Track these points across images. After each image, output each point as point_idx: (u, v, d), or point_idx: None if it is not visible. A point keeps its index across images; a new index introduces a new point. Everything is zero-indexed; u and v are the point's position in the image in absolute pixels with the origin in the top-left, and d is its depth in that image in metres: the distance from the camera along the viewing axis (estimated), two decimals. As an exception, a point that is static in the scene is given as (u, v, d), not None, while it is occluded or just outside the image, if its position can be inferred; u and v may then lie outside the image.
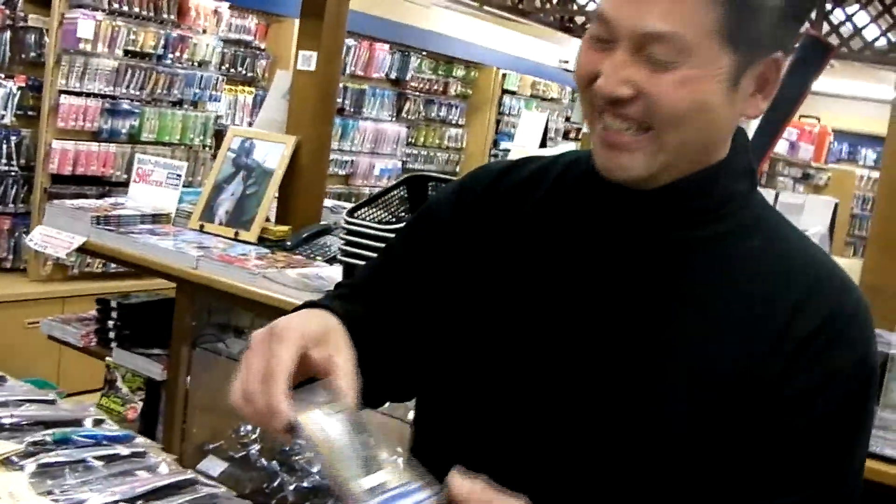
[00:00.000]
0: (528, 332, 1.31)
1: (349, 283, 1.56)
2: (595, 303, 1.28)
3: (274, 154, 4.18)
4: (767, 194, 6.09)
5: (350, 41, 8.54)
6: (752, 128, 3.21)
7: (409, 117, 9.71)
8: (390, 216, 3.38)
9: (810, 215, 6.27)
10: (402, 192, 3.45)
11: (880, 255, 3.06)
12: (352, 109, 8.84)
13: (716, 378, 1.22)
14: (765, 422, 1.20)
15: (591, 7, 6.66)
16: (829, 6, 6.64)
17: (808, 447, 1.21)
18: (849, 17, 6.66)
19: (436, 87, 9.97)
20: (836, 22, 6.68)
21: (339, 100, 8.66)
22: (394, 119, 9.45)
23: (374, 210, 3.39)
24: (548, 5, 7.07)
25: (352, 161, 8.96)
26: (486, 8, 6.87)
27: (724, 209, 1.28)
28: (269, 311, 3.32)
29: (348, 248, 3.19)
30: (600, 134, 1.22)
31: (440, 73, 10.01)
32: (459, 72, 10.23)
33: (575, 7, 7.19)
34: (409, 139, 9.77)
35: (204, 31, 6.94)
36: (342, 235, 3.23)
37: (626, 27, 1.15)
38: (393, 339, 1.42)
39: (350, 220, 3.20)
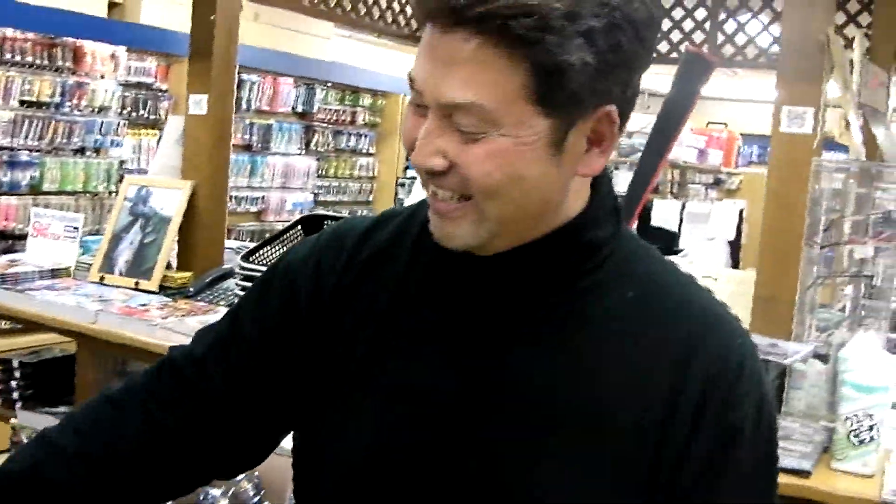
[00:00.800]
0: (396, 416, 1.25)
1: (189, 351, 1.44)
2: (461, 381, 1.22)
3: (171, 200, 4.14)
4: (673, 205, 6.14)
5: (253, 77, 8.52)
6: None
7: (319, 149, 9.70)
8: (288, 259, 3.37)
9: (716, 222, 6.38)
10: (298, 233, 3.45)
11: (771, 267, 3.12)
12: (259, 145, 8.81)
13: (602, 449, 1.16)
14: (672, 494, 1.16)
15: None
16: (722, 16, 6.79)
17: None
18: (741, 27, 6.82)
19: (343, 118, 9.98)
20: (729, 31, 6.83)
21: (246, 136, 8.63)
22: (303, 152, 9.44)
23: (271, 251, 3.38)
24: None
25: (263, 197, 8.94)
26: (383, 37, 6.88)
27: (588, 263, 1.23)
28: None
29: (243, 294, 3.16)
30: (430, 200, 1.19)
31: (347, 103, 10.02)
32: (366, 101, 10.25)
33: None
34: (320, 171, 9.77)
35: (102, 77, 6.89)
36: (238, 281, 3.21)
37: (431, 95, 1.11)
38: (236, 414, 1.37)
39: (244, 265, 3.18)
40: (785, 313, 3.02)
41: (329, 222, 3.41)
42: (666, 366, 1.17)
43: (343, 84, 9.78)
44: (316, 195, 9.67)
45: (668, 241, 6.08)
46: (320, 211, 3.72)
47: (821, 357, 2.91)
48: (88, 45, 6.73)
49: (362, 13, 6.31)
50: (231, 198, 8.24)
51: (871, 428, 2.40)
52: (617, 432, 1.16)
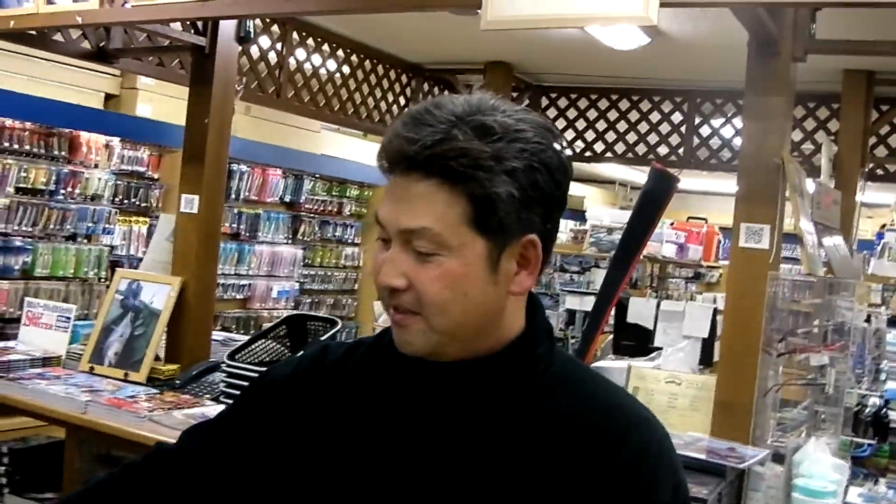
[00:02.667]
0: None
1: (178, 447, 1.68)
2: (407, 478, 1.41)
3: (160, 295, 4.30)
4: (648, 303, 6.27)
5: (243, 167, 8.73)
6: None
7: (305, 239, 9.88)
8: (272, 356, 3.52)
9: (690, 321, 6.54)
10: (282, 331, 3.60)
11: (730, 373, 3.28)
12: (247, 234, 8.98)
13: None
14: None
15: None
16: (697, 120, 7.05)
17: None
18: (715, 131, 7.08)
19: (330, 208, 10.17)
20: (704, 135, 7.09)
21: (234, 225, 8.81)
22: (290, 241, 9.60)
23: (257, 349, 3.53)
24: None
25: (249, 285, 9.07)
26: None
27: (531, 374, 1.44)
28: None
29: (230, 391, 3.31)
30: (390, 315, 1.42)
31: (334, 194, 10.22)
32: (353, 192, 10.46)
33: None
34: (306, 260, 9.92)
35: (96, 166, 7.07)
36: (223, 378, 3.35)
37: (393, 226, 1.37)
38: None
39: (230, 363, 3.33)
40: (743, 417, 3.17)
41: (312, 323, 3.56)
42: (599, 456, 1.38)
43: (330, 176, 10.00)
44: (302, 283, 9.81)
45: (644, 338, 6.22)
46: (304, 312, 3.89)
47: (779, 458, 3.05)
48: (84, 136, 6.93)
49: (350, 112, 6.54)
50: (218, 285, 8.40)
51: None
52: None
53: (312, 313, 3.68)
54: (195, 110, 4.46)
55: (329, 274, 10.33)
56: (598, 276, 8.03)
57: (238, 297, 9.00)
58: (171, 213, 4.71)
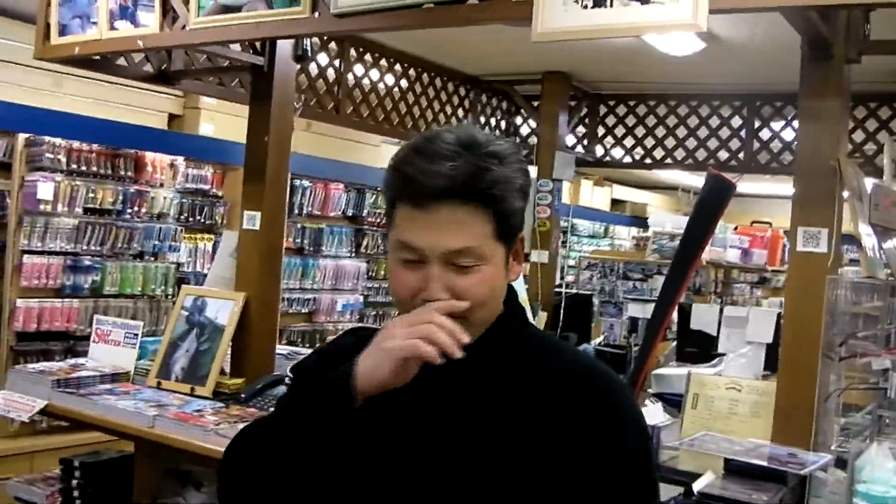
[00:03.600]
0: (391, 462, 1.66)
1: None
2: (441, 430, 1.67)
3: (225, 310, 4.38)
4: (711, 309, 6.22)
5: (305, 183, 8.81)
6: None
7: (368, 252, 9.93)
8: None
9: (754, 326, 6.49)
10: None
11: (790, 380, 3.26)
12: (311, 248, 9.06)
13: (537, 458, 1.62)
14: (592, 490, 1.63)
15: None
16: (756, 124, 7.00)
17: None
18: (776, 134, 7.01)
19: (392, 221, 10.21)
20: (764, 139, 7.03)
21: (298, 240, 8.89)
22: (353, 255, 9.67)
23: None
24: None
25: (314, 298, 9.15)
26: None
27: (519, 342, 1.77)
28: (224, 464, 3.49)
29: (293, 403, 3.36)
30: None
31: (396, 207, 10.26)
32: (414, 204, 10.49)
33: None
34: (370, 273, 9.98)
35: (161, 185, 7.20)
36: (287, 391, 3.40)
37: (437, 250, 1.61)
38: None
39: (292, 375, 3.37)
40: (804, 423, 3.15)
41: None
42: (587, 405, 1.67)
43: (392, 189, 10.04)
44: (366, 296, 9.87)
45: (707, 345, 6.19)
46: (366, 325, 3.96)
47: (842, 464, 3.03)
48: (149, 156, 7.06)
49: (409, 126, 6.60)
50: (283, 300, 8.50)
51: None
52: (546, 445, 1.63)
53: (373, 326, 3.71)
54: (255, 128, 4.54)
55: (392, 286, 10.35)
56: (661, 283, 7.98)
57: (303, 311, 9.08)
58: (235, 229, 4.80)
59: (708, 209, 3.37)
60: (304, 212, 8.87)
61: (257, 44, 4.54)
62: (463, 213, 1.60)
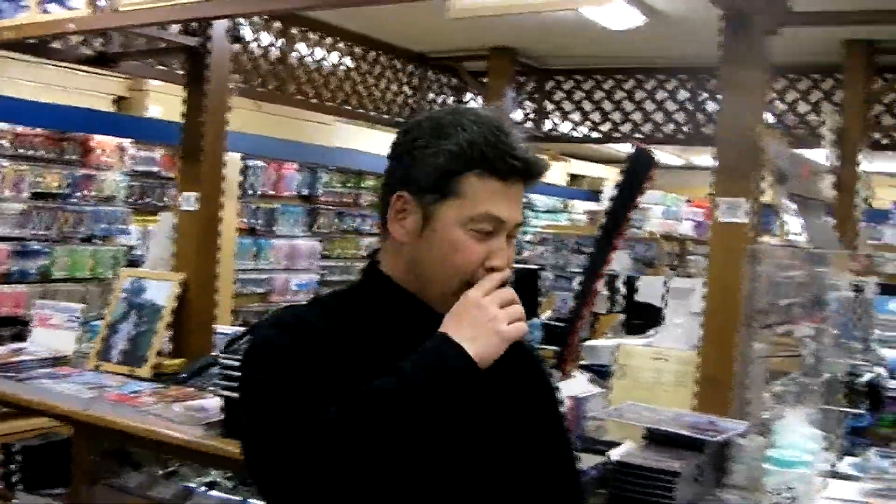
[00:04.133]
0: None
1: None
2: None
3: (163, 291, 4.39)
4: (657, 282, 6.26)
5: (258, 163, 8.81)
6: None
7: (323, 231, 9.95)
8: (266, 346, 3.58)
9: (698, 298, 6.55)
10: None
11: (712, 350, 3.30)
12: (265, 228, 9.07)
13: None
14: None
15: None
16: (702, 96, 7.06)
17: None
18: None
19: (347, 200, 10.25)
20: (710, 111, 7.08)
21: (252, 220, 8.90)
22: (307, 234, 9.69)
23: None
24: (439, 119, 7.39)
25: (268, 279, 9.17)
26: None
27: None
28: (160, 445, 3.52)
29: (224, 382, 3.38)
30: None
31: (350, 185, 10.29)
32: (370, 182, 10.52)
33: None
34: (325, 252, 10.00)
35: (109, 168, 7.18)
36: (218, 371, 3.42)
37: (511, 222, 1.74)
38: None
39: (225, 354, 3.40)
40: (726, 392, 3.19)
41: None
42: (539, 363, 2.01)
43: (346, 168, 10.06)
44: (321, 275, 9.90)
45: (654, 317, 6.24)
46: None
47: (764, 431, 3.07)
48: (97, 139, 7.04)
49: (356, 104, 6.60)
50: (236, 280, 8.51)
51: (791, 500, 2.55)
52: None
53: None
54: (190, 110, 4.53)
55: (349, 265, 10.40)
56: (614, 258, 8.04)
57: (258, 291, 9.10)
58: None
59: (632, 181, 3.41)
60: (258, 192, 8.87)
61: (192, 25, 4.53)
62: (521, 191, 1.76)
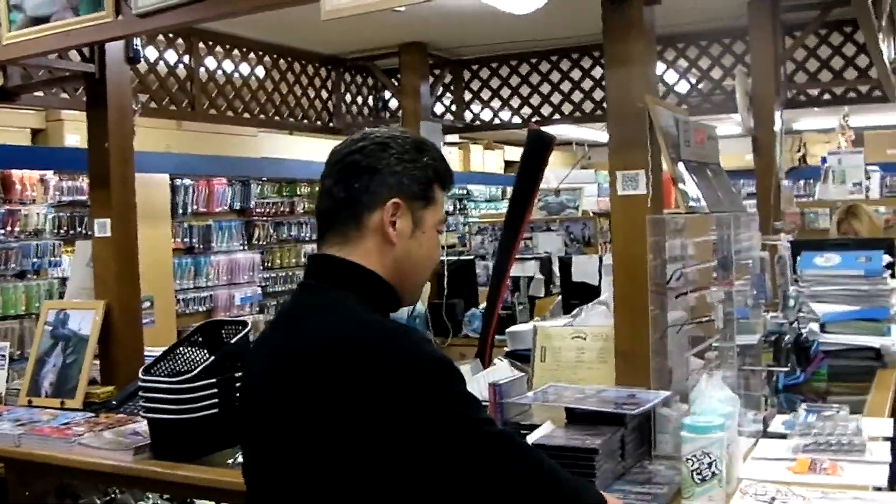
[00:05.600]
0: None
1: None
2: None
3: (87, 321, 4.37)
4: (591, 260, 6.28)
5: (187, 181, 8.77)
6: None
7: (261, 243, 9.92)
8: (188, 364, 3.58)
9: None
10: (197, 339, 3.65)
11: (625, 323, 3.32)
12: (201, 246, 9.02)
13: None
14: None
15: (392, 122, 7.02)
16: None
17: None
18: (659, 77, 7.12)
19: (282, 209, 10.22)
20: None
21: (186, 239, 8.85)
22: (245, 247, 9.65)
23: (173, 361, 3.59)
24: (359, 119, 7.40)
25: (210, 296, 9.12)
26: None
27: None
28: (94, 475, 3.52)
29: (147, 405, 3.37)
30: None
31: (284, 194, 10.26)
32: (304, 190, 10.49)
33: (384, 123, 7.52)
34: (265, 263, 9.97)
35: (33, 202, 7.11)
36: (141, 394, 3.41)
37: None
38: None
39: (143, 377, 3.39)
40: (643, 363, 3.20)
41: (226, 327, 3.61)
42: None
43: (277, 177, 10.03)
44: (263, 287, 9.87)
45: (590, 296, 6.28)
46: (220, 318, 3.97)
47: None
48: (16, 173, 6.97)
49: (271, 113, 6.58)
50: (178, 300, 8.47)
51: (710, 465, 2.54)
52: None
53: (226, 318, 3.73)
54: (94, 135, 4.51)
55: (291, 274, 10.38)
56: (546, 240, 8.08)
57: (201, 309, 9.05)
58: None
59: (532, 164, 3.43)
60: (189, 210, 8.83)
61: (85, 51, 4.50)
62: None
